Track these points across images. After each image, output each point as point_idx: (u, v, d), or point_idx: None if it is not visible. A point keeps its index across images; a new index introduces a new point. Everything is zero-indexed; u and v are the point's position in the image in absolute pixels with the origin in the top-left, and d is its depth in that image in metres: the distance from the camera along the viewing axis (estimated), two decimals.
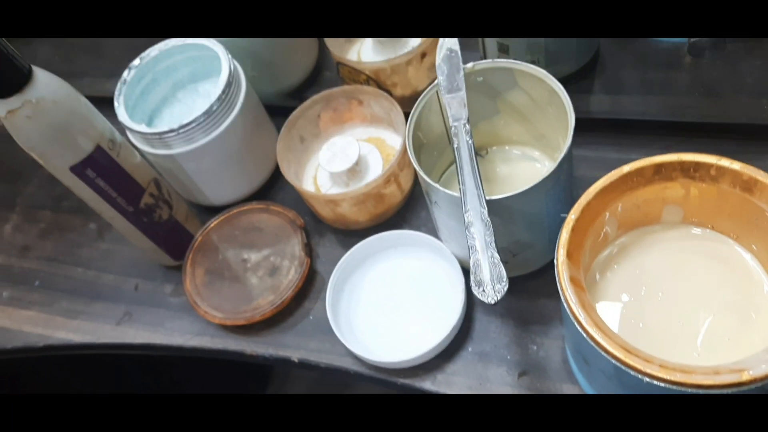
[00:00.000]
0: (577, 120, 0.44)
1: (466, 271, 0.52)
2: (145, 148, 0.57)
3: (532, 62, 0.50)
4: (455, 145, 0.44)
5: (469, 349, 0.51)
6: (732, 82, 0.56)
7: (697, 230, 0.44)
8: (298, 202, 0.63)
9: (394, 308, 0.54)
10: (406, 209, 0.60)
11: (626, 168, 0.41)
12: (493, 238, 0.40)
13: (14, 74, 0.42)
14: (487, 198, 0.42)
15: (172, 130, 0.54)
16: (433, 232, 0.57)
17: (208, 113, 0.54)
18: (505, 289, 0.38)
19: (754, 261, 0.41)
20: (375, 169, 0.60)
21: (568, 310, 0.37)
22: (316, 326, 0.56)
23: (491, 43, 0.59)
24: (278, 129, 0.65)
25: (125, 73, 0.59)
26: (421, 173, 0.45)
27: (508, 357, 0.50)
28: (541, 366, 0.49)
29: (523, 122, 0.53)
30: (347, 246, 0.59)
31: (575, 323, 0.37)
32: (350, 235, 0.60)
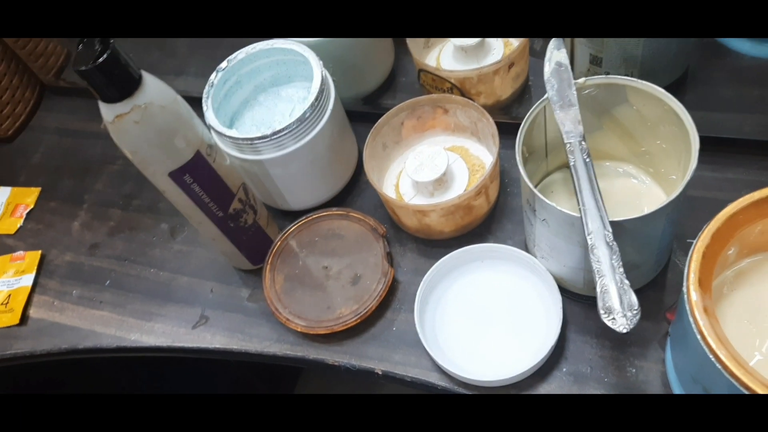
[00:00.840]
0: None
1: (561, 289, 0.51)
2: (233, 152, 0.56)
3: (626, 75, 0.49)
4: (572, 163, 0.43)
5: (564, 369, 0.50)
6: None
7: None
8: (377, 209, 0.62)
9: (482, 324, 0.53)
10: (491, 221, 0.59)
11: (757, 195, 0.39)
12: (621, 263, 0.38)
13: (128, 79, 0.41)
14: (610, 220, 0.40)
15: (264, 137, 0.53)
16: (520, 245, 0.56)
17: (301, 120, 0.53)
18: (638, 317, 0.37)
19: None
20: (460, 179, 0.59)
21: (702, 343, 0.36)
22: (399, 338, 0.55)
23: (583, 54, 0.57)
24: (355, 134, 0.64)
25: (212, 76, 0.58)
26: (534, 190, 0.43)
27: (606, 379, 0.49)
28: (640, 390, 0.48)
29: (626, 139, 0.51)
30: (428, 256, 0.58)
31: (713, 360, 0.36)
32: (432, 245, 0.59)
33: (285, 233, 0.60)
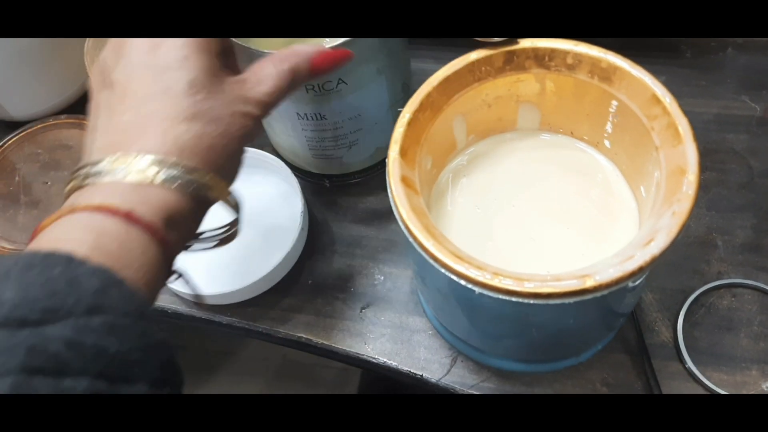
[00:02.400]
0: None
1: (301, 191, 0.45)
2: None
3: None
4: None
5: (309, 282, 0.44)
6: None
7: (555, 137, 0.39)
8: None
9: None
10: None
11: (473, 55, 0.35)
12: None
13: None
14: None
15: None
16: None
17: None
18: None
19: (616, 172, 0.36)
20: None
21: (396, 214, 0.31)
22: None
23: None
24: None
25: None
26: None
27: (352, 289, 0.44)
28: (386, 298, 0.43)
29: None
30: None
31: (404, 229, 0.30)
32: None
33: (2, 146, 0.50)
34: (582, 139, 0.38)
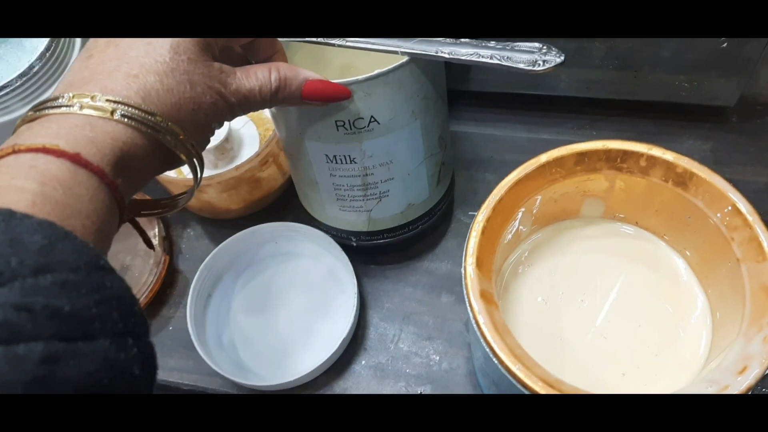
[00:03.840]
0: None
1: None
2: None
3: None
4: None
5: (363, 362, 0.44)
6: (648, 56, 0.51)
7: (621, 226, 0.38)
8: (156, 183, 0.52)
9: (273, 317, 0.46)
10: (291, 194, 0.51)
11: (544, 158, 0.34)
12: None
13: None
14: None
15: None
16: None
17: (26, 75, 0.42)
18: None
19: (686, 267, 0.36)
20: (251, 147, 0.50)
21: (478, 333, 0.30)
22: (176, 339, 0.46)
23: None
24: None
25: None
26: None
27: (407, 370, 0.43)
28: (444, 381, 0.43)
29: None
30: (217, 239, 0.50)
31: (488, 350, 0.30)
32: (221, 225, 0.51)
33: None
34: (648, 230, 0.37)
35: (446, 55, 0.33)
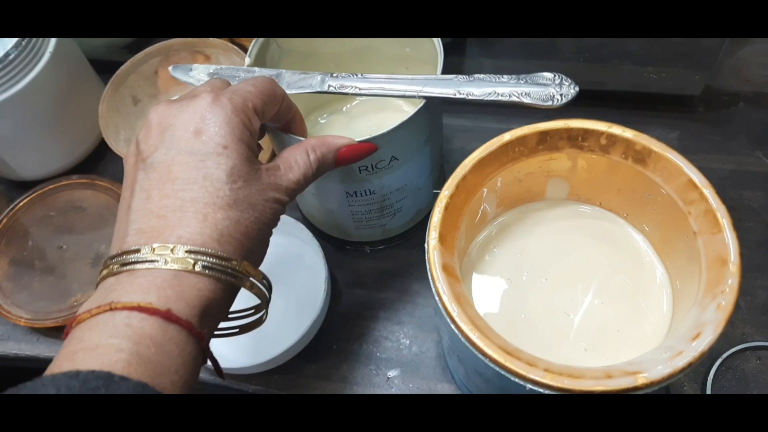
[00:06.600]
0: None
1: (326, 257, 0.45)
2: None
3: None
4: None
5: (334, 346, 0.44)
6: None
7: (584, 207, 0.39)
8: None
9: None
10: None
11: (507, 136, 0.35)
12: None
13: None
14: None
15: None
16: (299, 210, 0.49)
17: (2, 62, 0.42)
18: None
19: (646, 243, 0.37)
20: None
21: (440, 305, 0.31)
22: None
23: None
24: None
25: None
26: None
27: (378, 354, 0.44)
28: (413, 364, 0.43)
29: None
30: None
31: (448, 320, 0.30)
32: None
33: (12, 209, 0.49)
34: (611, 211, 0.38)
35: (465, 96, 0.35)
